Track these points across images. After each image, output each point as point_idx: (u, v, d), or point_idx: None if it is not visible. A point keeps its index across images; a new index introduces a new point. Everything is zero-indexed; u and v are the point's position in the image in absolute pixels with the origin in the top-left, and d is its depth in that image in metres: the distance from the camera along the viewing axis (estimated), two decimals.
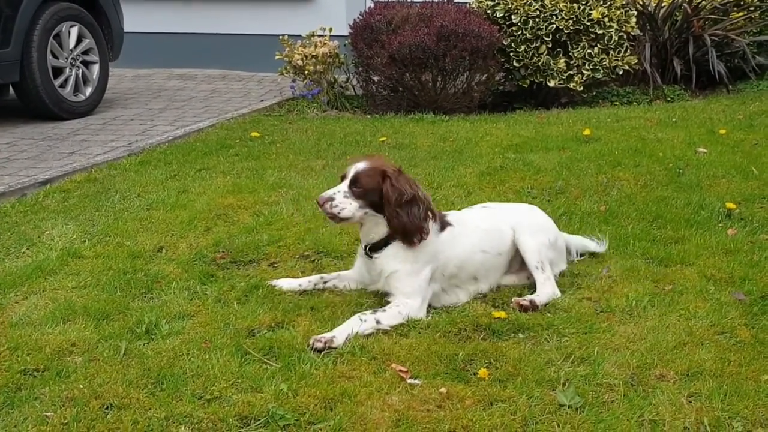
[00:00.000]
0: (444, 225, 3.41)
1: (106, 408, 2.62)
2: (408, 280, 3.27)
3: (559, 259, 3.65)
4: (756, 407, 2.58)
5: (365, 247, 3.39)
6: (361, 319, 3.12)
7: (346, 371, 2.82)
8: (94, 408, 2.60)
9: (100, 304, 3.37)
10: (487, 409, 2.60)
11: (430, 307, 3.33)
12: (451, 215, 3.52)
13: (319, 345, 2.96)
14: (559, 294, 3.43)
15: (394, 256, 3.30)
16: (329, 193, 3.28)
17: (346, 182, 3.28)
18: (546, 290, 3.41)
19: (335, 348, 2.96)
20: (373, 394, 2.66)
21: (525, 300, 3.34)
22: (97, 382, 2.75)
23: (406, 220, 3.21)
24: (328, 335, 3.01)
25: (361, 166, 3.29)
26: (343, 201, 3.25)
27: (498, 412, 2.57)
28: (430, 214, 3.29)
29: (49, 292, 3.52)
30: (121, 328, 3.16)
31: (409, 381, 2.75)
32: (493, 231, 3.53)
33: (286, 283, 3.56)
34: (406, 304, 3.23)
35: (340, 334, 3.03)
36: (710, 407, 2.58)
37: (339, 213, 3.24)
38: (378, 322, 3.13)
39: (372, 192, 3.24)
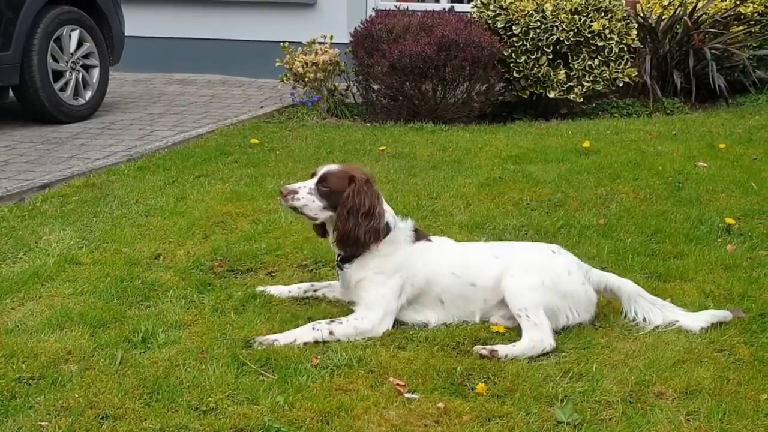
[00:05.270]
0: (420, 237, 3.36)
1: (101, 418, 2.60)
2: (372, 289, 3.22)
3: (568, 306, 3.19)
4: (755, 427, 2.57)
5: (338, 257, 3.36)
6: (314, 329, 3.13)
7: (343, 384, 2.80)
8: (89, 418, 2.58)
9: (96, 311, 3.35)
10: (484, 425, 2.58)
11: (403, 324, 3.27)
12: (439, 237, 3.48)
13: (261, 348, 3.00)
14: (549, 344, 3.02)
15: (364, 265, 3.26)
16: (294, 185, 3.25)
17: (314, 179, 3.26)
18: (524, 342, 3.02)
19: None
20: (370, 408, 2.65)
21: (485, 348, 3.00)
22: (93, 392, 2.73)
23: (351, 228, 3.16)
24: (270, 338, 3.06)
25: (333, 167, 3.28)
26: (306, 197, 3.22)
27: (495, 429, 2.56)
28: (374, 235, 3.19)
29: (45, 299, 3.50)
30: (118, 337, 3.14)
31: (406, 395, 2.73)
32: (473, 259, 3.32)
33: (275, 289, 3.56)
34: (365, 317, 3.17)
35: (284, 339, 3.07)
36: (709, 426, 2.57)
37: (300, 207, 3.22)
38: (331, 333, 3.12)
39: (337, 194, 3.20)
